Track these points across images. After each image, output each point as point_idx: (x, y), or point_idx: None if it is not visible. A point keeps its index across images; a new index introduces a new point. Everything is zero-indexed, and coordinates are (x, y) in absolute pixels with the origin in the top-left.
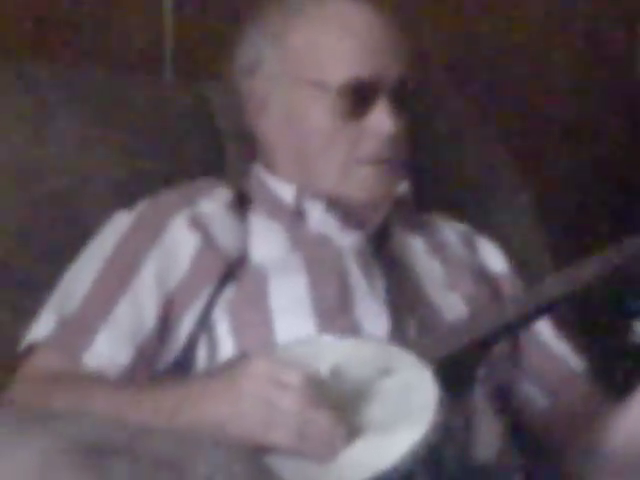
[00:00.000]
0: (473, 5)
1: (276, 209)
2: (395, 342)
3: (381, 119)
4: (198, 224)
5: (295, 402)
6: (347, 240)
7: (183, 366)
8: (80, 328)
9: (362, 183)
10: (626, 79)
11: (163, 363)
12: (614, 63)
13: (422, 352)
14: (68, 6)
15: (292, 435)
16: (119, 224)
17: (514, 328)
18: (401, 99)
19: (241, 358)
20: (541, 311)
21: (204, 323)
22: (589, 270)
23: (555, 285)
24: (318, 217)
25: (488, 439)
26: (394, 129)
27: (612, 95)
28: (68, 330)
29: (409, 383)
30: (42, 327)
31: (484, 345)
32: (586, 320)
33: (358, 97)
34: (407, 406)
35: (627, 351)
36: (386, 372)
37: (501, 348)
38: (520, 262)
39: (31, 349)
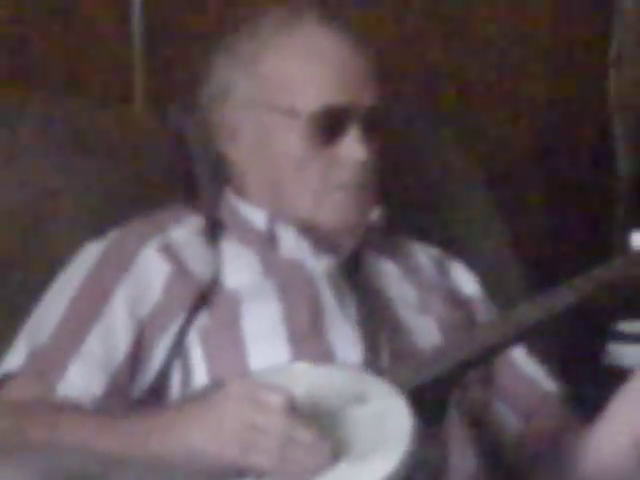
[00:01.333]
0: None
1: (248, 235)
2: (369, 370)
3: (353, 146)
4: (169, 252)
5: (278, 423)
6: (320, 265)
7: (157, 393)
8: (52, 360)
9: (335, 210)
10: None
11: (137, 390)
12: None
13: (396, 380)
14: (39, 36)
15: (274, 456)
16: (89, 254)
17: (487, 357)
18: (372, 125)
19: (215, 385)
20: (515, 339)
21: (178, 350)
22: (563, 299)
23: (529, 314)
24: (290, 242)
25: (462, 464)
26: (366, 156)
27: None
28: (40, 362)
29: (383, 411)
30: (15, 358)
31: (458, 373)
32: (561, 341)
33: (329, 124)
34: (381, 435)
35: (602, 372)
36: (360, 400)
37: (474, 372)
38: (492, 277)
39: (4, 380)
